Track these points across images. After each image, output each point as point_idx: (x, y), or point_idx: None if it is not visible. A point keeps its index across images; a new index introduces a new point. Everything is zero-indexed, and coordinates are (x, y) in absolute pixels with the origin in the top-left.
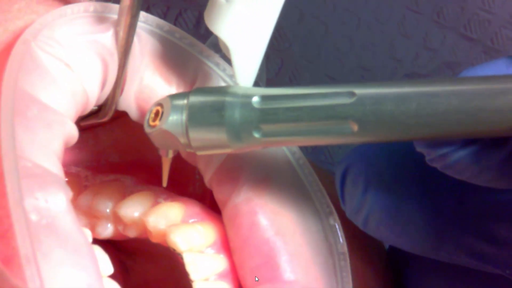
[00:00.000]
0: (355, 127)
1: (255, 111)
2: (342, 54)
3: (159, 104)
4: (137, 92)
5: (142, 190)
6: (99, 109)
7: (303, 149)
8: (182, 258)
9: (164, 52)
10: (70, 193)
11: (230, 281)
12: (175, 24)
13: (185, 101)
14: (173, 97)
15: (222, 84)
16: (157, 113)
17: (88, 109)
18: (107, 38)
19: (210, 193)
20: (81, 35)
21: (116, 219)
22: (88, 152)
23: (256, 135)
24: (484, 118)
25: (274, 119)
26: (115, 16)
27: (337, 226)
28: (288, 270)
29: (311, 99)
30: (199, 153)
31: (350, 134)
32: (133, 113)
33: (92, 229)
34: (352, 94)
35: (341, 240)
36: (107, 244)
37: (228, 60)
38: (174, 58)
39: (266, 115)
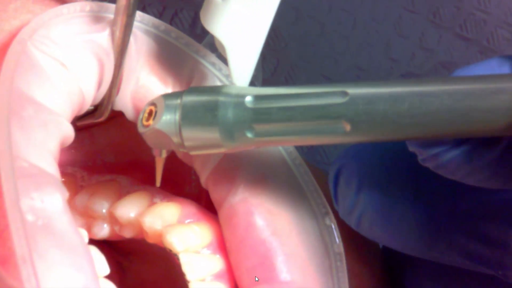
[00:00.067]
0: (348, 127)
1: (248, 110)
2: (338, 54)
3: (153, 103)
4: (133, 92)
5: (138, 190)
6: (95, 109)
7: (299, 149)
8: (178, 259)
9: (160, 51)
10: (66, 193)
11: (226, 281)
12: (171, 24)
13: (178, 101)
14: (166, 96)
15: (218, 83)
16: (150, 113)
17: (84, 109)
18: (103, 38)
19: (206, 194)
20: (77, 35)
21: (112, 219)
22: (84, 152)
23: (249, 134)
24: (476, 118)
25: (267, 118)
26: (111, 16)
27: (333, 227)
28: (284, 270)
29: (304, 98)
30: (192, 153)
31: (343, 134)
32: (129, 113)
33: (88, 229)
34: (345, 93)
35: (337, 240)
36: (103, 245)
37: (224, 60)
38: (170, 58)
39: (259, 115)
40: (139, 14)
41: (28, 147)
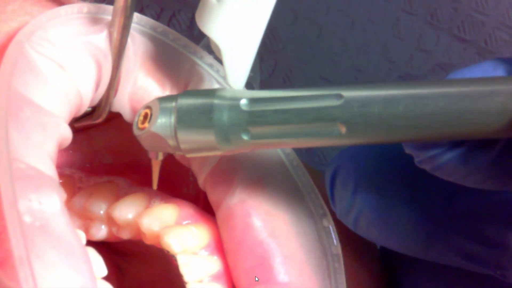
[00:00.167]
0: (343, 129)
1: (243, 113)
2: (335, 55)
3: (148, 107)
4: (131, 94)
5: (136, 191)
6: (93, 111)
7: (297, 150)
8: (176, 260)
9: (157, 53)
10: (63, 195)
11: (224, 282)
12: (168, 26)
13: (173, 104)
14: (161, 99)
15: (216, 85)
16: (146, 116)
17: (82, 110)
18: (101, 39)
19: (204, 195)
20: (75, 36)
21: (110, 220)
22: (82, 154)
23: (245, 137)
24: (471, 120)
25: (262, 121)
26: (109, 17)
27: (331, 228)
28: (282, 272)
29: (299, 101)
30: (188, 155)
31: (338, 136)
32: (127, 115)
33: (86, 230)
34: (340, 96)
35: (335, 241)
36: (101, 246)
37: (221, 62)
38: (168, 60)
39: (255, 118)
40: (136, 16)
41: (25, 148)
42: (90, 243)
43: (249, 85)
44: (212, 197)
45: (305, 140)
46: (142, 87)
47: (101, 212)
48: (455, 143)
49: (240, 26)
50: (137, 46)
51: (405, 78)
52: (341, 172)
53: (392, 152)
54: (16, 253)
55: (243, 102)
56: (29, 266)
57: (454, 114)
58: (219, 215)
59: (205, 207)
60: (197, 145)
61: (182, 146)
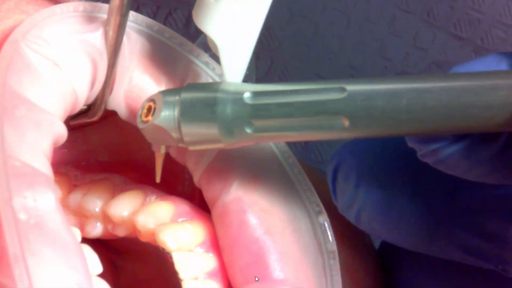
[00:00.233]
0: (346, 123)
1: (247, 106)
2: (332, 53)
3: (151, 99)
4: (126, 92)
5: (132, 189)
6: (89, 109)
7: (293, 148)
8: (171, 257)
9: (153, 51)
10: (58, 192)
11: (219, 280)
12: (165, 24)
13: (177, 97)
14: (165, 93)
15: None
16: (149, 109)
17: (77, 108)
18: (96, 38)
19: (199, 192)
20: (71, 35)
21: (106, 218)
22: (78, 152)
23: (248, 130)
24: (474, 114)
25: (265, 114)
26: (104, 16)
27: (326, 225)
28: (277, 269)
29: (303, 94)
30: (191, 148)
31: (341, 130)
32: (123, 113)
33: (82, 228)
34: (343, 89)
35: (330, 238)
36: (97, 243)
37: (217, 59)
38: (164, 58)
39: (258, 111)
40: (132, 14)
41: (20, 146)
42: (85, 240)
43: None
44: (208, 195)
45: (308, 133)
46: (137, 85)
47: (97, 209)
48: (457, 137)
49: (237, 23)
50: (133, 44)
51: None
52: (343, 166)
53: (394, 146)
54: (11, 250)
55: (247, 95)
56: (24, 264)
57: (457, 108)
58: (215, 212)
59: (200, 205)
60: (200, 138)
61: (186, 139)
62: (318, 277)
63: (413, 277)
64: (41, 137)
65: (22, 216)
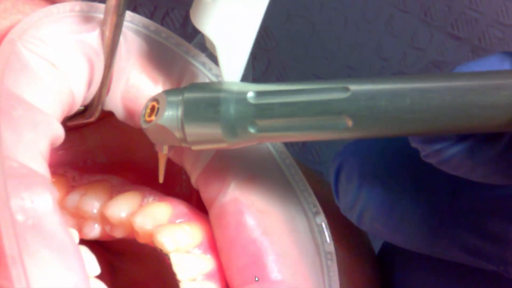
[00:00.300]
0: (350, 122)
1: (250, 106)
2: (329, 53)
3: (155, 99)
4: (123, 92)
5: (129, 190)
6: (86, 109)
7: (290, 148)
8: (169, 258)
9: (150, 51)
10: (56, 194)
11: (217, 281)
12: (162, 24)
13: (180, 97)
14: (168, 92)
15: None
16: (153, 109)
17: (74, 109)
18: (93, 38)
19: (197, 193)
20: (67, 35)
21: (103, 219)
22: (75, 153)
23: (252, 130)
24: (477, 114)
25: (269, 114)
26: (101, 16)
27: (324, 226)
28: (275, 270)
29: (306, 94)
30: (194, 147)
31: (345, 129)
32: (120, 113)
33: (79, 229)
34: (347, 89)
35: (328, 239)
36: (94, 245)
37: (214, 59)
38: (161, 58)
39: (261, 110)
40: (129, 14)
41: (18, 147)
42: (83, 242)
43: None
44: (205, 196)
45: (311, 133)
46: (134, 85)
47: (94, 210)
48: (461, 137)
49: (234, 23)
50: (129, 44)
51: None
52: (345, 167)
53: (396, 147)
54: (8, 251)
55: (250, 95)
56: (22, 265)
57: (460, 108)
58: (212, 213)
59: (198, 206)
60: (203, 137)
61: (189, 139)
62: (315, 278)
63: (414, 278)
64: (38, 138)
65: (19, 217)
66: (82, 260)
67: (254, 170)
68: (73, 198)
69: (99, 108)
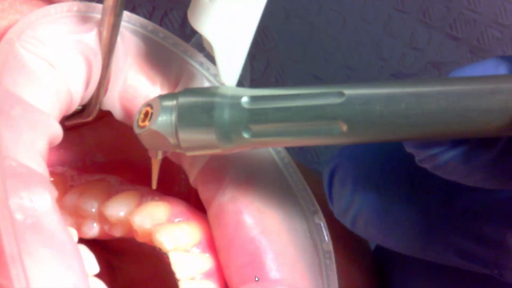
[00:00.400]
0: (344, 127)
1: (245, 111)
2: (328, 54)
3: (149, 104)
4: (121, 92)
5: (128, 189)
6: (83, 109)
7: (289, 148)
8: (168, 258)
9: (148, 51)
10: (55, 193)
11: (216, 280)
12: (160, 24)
13: (174, 102)
14: (162, 97)
15: (206, 83)
16: (146, 114)
17: (72, 108)
18: (90, 38)
19: (195, 193)
20: (65, 35)
21: (102, 218)
22: (73, 152)
23: (246, 135)
24: (473, 118)
25: (263, 119)
26: (98, 16)
27: (322, 225)
28: (273, 269)
29: (300, 99)
30: (188, 153)
31: (340, 134)
32: (118, 113)
33: (78, 228)
34: (341, 94)
35: (326, 238)
36: (93, 244)
37: (212, 59)
38: (158, 58)
39: (256, 116)
40: (126, 14)
41: (16, 146)
42: (82, 241)
43: (239, 83)
44: (204, 195)
45: (306, 138)
46: (132, 85)
47: (93, 210)
48: (456, 142)
49: (232, 23)
50: (127, 44)
51: (397, 76)
52: (339, 170)
53: (391, 151)
54: (7, 250)
55: (244, 100)
56: (21, 264)
57: (455, 112)
58: (211, 212)
59: (196, 205)
60: (197, 143)
61: (183, 145)
62: (314, 277)
63: (408, 281)
64: (36, 137)
65: (18, 217)
66: (81, 259)
67: (253, 169)
68: (72, 197)
69: (97, 107)
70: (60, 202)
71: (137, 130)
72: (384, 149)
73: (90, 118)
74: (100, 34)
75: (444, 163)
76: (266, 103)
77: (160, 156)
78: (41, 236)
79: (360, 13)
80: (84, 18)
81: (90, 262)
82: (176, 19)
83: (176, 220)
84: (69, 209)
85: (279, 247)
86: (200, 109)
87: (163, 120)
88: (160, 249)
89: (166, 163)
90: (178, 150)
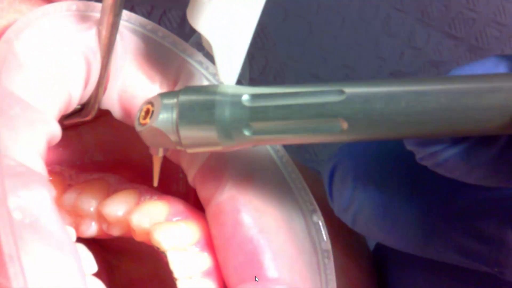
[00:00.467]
0: (345, 125)
1: (245, 109)
2: (326, 53)
3: (150, 102)
4: (120, 91)
5: (126, 188)
6: (82, 108)
7: (288, 147)
8: (166, 257)
9: (147, 50)
10: (53, 192)
11: (214, 279)
12: (159, 24)
13: (175, 100)
14: (163, 95)
15: (205, 82)
16: (147, 111)
17: (71, 108)
18: (89, 37)
19: (194, 192)
20: (64, 34)
21: (100, 217)
22: (72, 151)
23: (247, 133)
24: (472, 117)
25: (264, 117)
26: (97, 15)
27: (320, 224)
28: (272, 268)
29: (301, 97)
30: (189, 151)
31: (340, 132)
32: (116, 112)
33: (76, 228)
34: (342, 92)
35: (324, 237)
36: (91, 243)
37: (211, 58)
38: (157, 57)
39: (256, 113)
40: (125, 13)
41: (15, 145)
42: (80, 240)
43: (238, 82)
44: (202, 194)
45: (307, 136)
46: (131, 84)
47: (91, 209)
48: (456, 140)
49: (231, 22)
50: (126, 43)
51: (396, 75)
52: (340, 168)
53: (391, 149)
54: (6, 249)
55: (245, 97)
56: (19, 263)
57: (456, 111)
58: (209, 211)
59: (195, 204)
60: (198, 140)
61: (184, 142)
62: (312, 276)
63: (407, 279)
64: (35, 136)
65: (16, 216)
66: (79, 258)
67: (251, 168)
68: (70, 196)
69: (96, 106)
70: (59, 201)
71: (138, 128)
72: (385, 147)
73: (89, 117)
74: (99, 33)
75: (444, 161)
76: (266, 101)
77: (161, 153)
78: (39, 235)
79: (359, 13)
80: (83, 17)
81: (88, 261)
82: (175, 18)
83: (175, 219)
84: (67, 208)
85: (278, 246)
86: (201, 107)
87: (164, 117)
88: (158, 248)
89: (165, 162)
90: (179, 147)
